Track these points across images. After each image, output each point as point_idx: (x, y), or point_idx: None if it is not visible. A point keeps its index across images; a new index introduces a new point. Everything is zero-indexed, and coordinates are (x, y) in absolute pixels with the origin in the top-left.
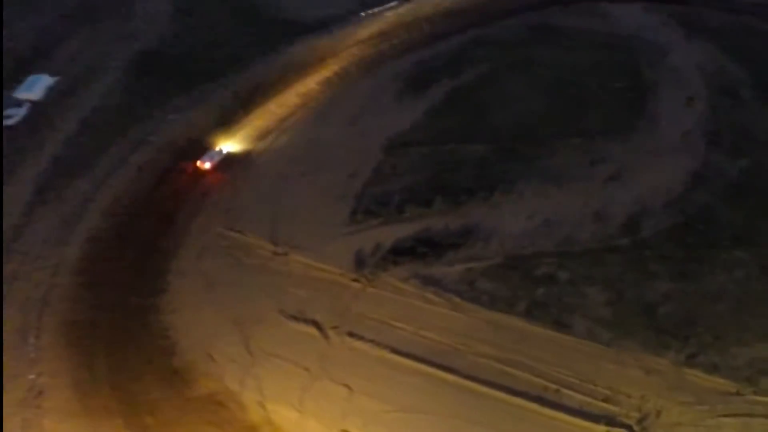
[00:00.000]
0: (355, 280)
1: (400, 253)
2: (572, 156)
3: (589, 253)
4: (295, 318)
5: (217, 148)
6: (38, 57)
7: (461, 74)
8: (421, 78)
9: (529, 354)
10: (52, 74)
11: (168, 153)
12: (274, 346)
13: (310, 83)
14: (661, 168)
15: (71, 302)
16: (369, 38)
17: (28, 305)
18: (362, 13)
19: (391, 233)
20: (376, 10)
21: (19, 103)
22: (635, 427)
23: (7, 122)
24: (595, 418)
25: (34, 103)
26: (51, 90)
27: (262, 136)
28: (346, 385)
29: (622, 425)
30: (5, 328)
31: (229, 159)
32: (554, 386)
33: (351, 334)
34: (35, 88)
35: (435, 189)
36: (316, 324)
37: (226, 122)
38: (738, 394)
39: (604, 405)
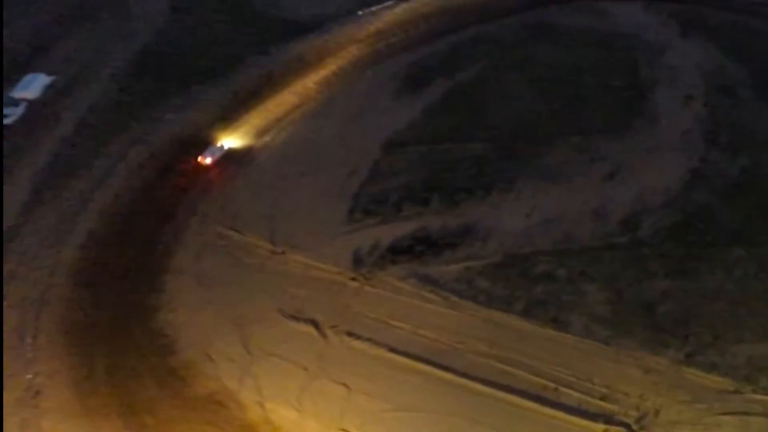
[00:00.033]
0: (353, 279)
1: (398, 252)
2: (571, 154)
3: (587, 252)
4: (294, 317)
5: (219, 144)
6: (35, 56)
7: (459, 73)
8: (419, 77)
9: (527, 352)
10: (48, 73)
11: (166, 152)
12: (273, 345)
13: (308, 82)
14: (660, 166)
15: (69, 302)
16: (367, 37)
17: (25, 305)
18: (360, 12)
19: (389, 232)
20: (373, 8)
21: (15, 103)
22: (634, 426)
23: (4, 121)
24: (593, 416)
25: (30, 102)
26: (48, 89)
27: (259, 135)
28: (345, 384)
29: (620, 424)
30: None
31: (227, 158)
32: (552, 385)
33: (349, 334)
34: (32, 87)
35: (433, 188)
36: (314, 323)
37: (223, 121)
38: (737, 392)
39: (603, 403)
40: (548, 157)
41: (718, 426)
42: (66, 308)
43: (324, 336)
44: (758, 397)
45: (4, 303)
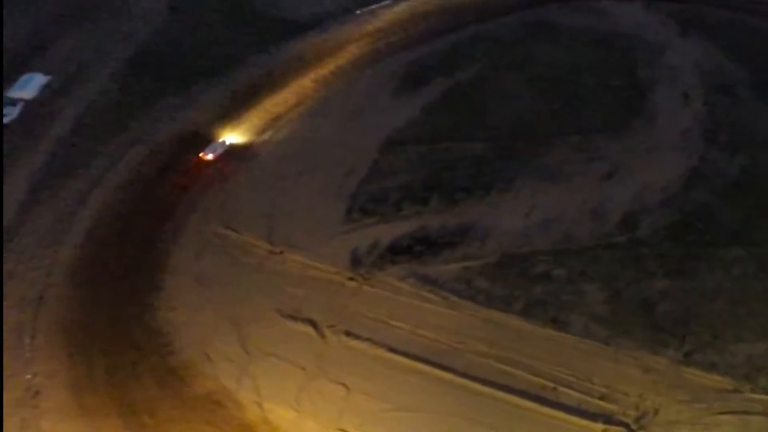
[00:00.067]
0: (351, 279)
1: (396, 251)
2: (570, 154)
3: (586, 251)
4: (292, 317)
5: (220, 140)
6: (33, 55)
7: (458, 72)
8: (418, 75)
9: (526, 352)
10: (45, 73)
11: (164, 151)
12: (271, 345)
13: (307, 81)
14: (660, 166)
15: (67, 301)
16: (365, 36)
17: (23, 305)
18: (359, 11)
19: (388, 232)
20: (372, 7)
21: (12, 102)
22: (633, 426)
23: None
24: (592, 416)
25: (27, 102)
26: (45, 89)
27: (258, 134)
28: (343, 384)
29: (619, 423)
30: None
31: (226, 156)
32: (552, 385)
33: (348, 333)
34: (29, 86)
35: (432, 187)
36: (312, 323)
37: (223, 120)
38: (736, 391)
39: (602, 403)
40: (547, 157)
41: (717, 425)
42: (64, 308)
43: (322, 336)
44: (757, 396)
45: (3, 303)
